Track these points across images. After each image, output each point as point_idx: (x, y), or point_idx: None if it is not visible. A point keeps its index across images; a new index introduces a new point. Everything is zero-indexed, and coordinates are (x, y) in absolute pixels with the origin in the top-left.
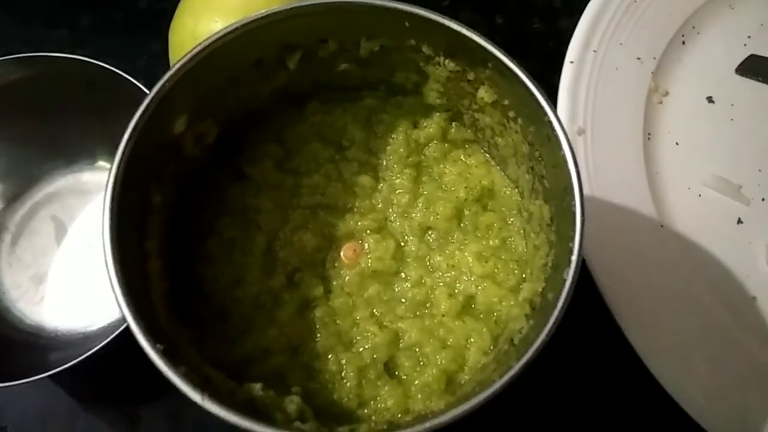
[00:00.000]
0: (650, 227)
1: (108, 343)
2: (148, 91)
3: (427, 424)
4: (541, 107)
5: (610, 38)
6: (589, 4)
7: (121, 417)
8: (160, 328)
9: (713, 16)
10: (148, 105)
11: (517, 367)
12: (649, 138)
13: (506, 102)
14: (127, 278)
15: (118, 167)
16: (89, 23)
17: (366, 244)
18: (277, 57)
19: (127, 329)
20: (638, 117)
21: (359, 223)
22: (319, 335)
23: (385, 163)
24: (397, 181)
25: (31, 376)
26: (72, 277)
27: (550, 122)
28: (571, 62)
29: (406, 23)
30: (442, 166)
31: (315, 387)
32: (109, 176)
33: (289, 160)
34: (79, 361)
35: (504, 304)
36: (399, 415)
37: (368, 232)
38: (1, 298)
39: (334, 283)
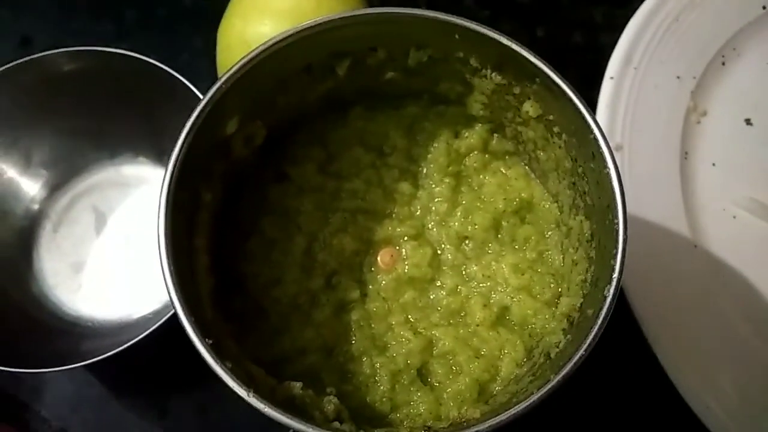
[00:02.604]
0: (683, 246)
1: (145, 336)
2: (194, 89)
3: None
4: (588, 125)
5: (651, 55)
6: (631, 20)
7: (150, 408)
8: (206, 323)
9: (754, 38)
10: (203, 107)
11: (556, 380)
12: (686, 157)
13: (551, 117)
14: (179, 273)
15: (174, 165)
16: (133, 18)
17: (403, 251)
18: (327, 63)
19: (164, 322)
20: (676, 136)
21: (397, 230)
22: (354, 338)
23: (425, 171)
24: (437, 189)
25: (67, 364)
26: (109, 267)
27: (595, 139)
28: (612, 78)
29: (457, 36)
30: (481, 176)
31: (348, 389)
32: (165, 174)
33: (331, 164)
34: (115, 353)
35: (539, 317)
36: (431, 422)
37: (406, 238)
38: (40, 284)
39: (371, 287)
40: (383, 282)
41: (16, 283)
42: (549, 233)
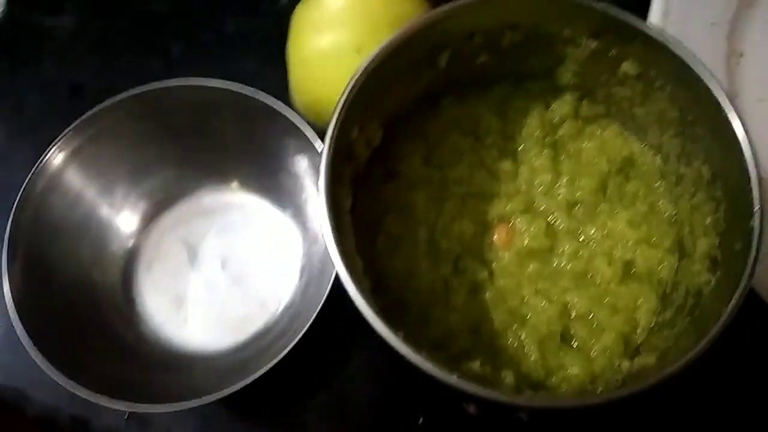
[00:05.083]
0: None
1: (268, 369)
2: (275, 105)
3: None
4: (698, 75)
5: (685, 6)
6: None
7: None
8: None
9: None
10: (338, 116)
11: (727, 312)
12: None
13: (652, 73)
14: (354, 277)
15: (326, 179)
16: (179, 51)
17: (517, 225)
18: (429, 57)
19: (285, 356)
20: (721, 80)
21: (507, 207)
22: (493, 315)
23: (522, 147)
24: (537, 162)
25: (203, 397)
26: (210, 296)
27: (708, 87)
28: None
29: (554, 10)
30: (578, 142)
31: (502, 362)
32: (319, 191)
33: (433, 155)
34: (253, 380)
35: (664, 264)
36: (587, 381)
37: (517, 213)
38: (148, 324)
39: (494, 265)
40: (506, 258)
41: (127, 325)
42: (656, 184)
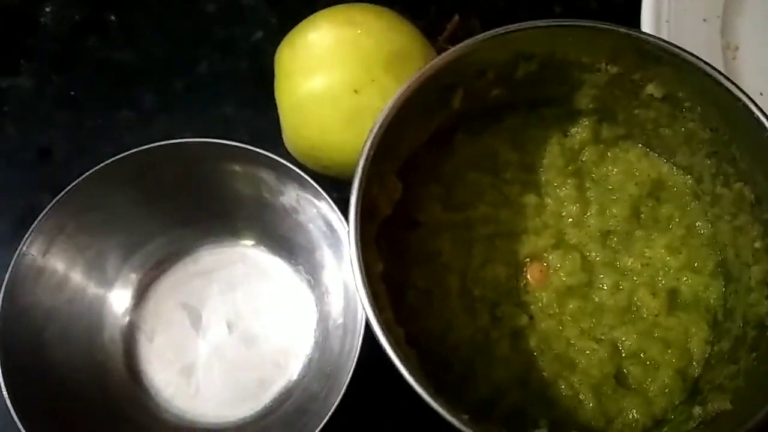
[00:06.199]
0: None
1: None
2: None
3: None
4: (733, 94)
5: (676, 5)
6: None
7: None
8: None
9: None
10: (360, 178)
11: None
12: None
13: (681, 94)
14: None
15: (356, 248)
16: (152, 100)
17: (551, 262)
18: (442, 98)
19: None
20: None
21: (538, 243)
22: (541, 363)
23: (545, 178)
24: (562, 193)
25: None
26: (219, 360)
27: (746, 107)
28: None
29: (569, 38)
30: (602, 167)
31: (559, 414)
32: (352, 263)
33: (452, 197)
34: None
35: (711, 289)
36: (650, 425)
37: (549, 249)
38: (157, 400)
39: (533, 307)
40: (544, 299)
41: (136, 403)
42: (690, 206)
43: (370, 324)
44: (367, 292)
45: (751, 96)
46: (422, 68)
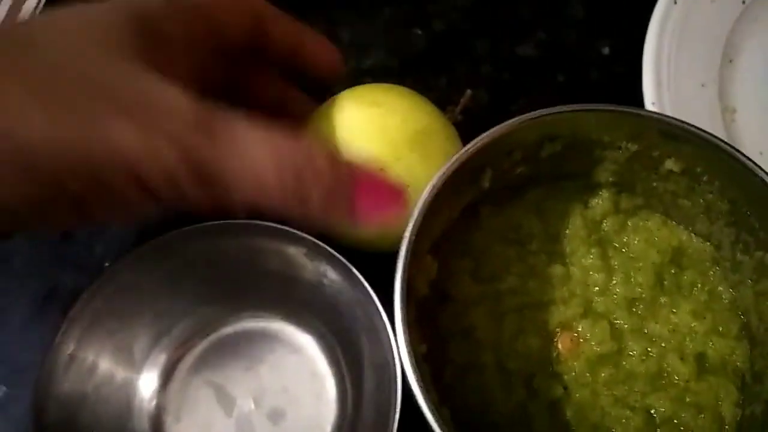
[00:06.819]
0: None
1: None
2: (304, 235)
3: None
4: (749, 169)
5: (674, 72)
6: (646, 45)
7: None
8: None
9: (747, 33)
10: (404, 264)
11: None
12: None
13: (699, 169)
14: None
15: (405, 336)
16: None
17: (581, 331)
18: (471, 179)
19: None
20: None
21: (566, 313)
22: None
23: (569, 248)
24: (587, 262)
25: None
26: None
27: (763, 181)
28: (653, 104)
29: (593, 120)
30: (623, 236)
31: None
32: (401, 352)
33: (480, 270)
34: None
35: (738, 352)
36: None
37: (578, 318)
38: None
39: (566, 377)
40: (576, 368)
41: None
42: (711, 272)
43: (420, 407)
44: (417, 377)
45: (752, 156)
46: (458, 153)
